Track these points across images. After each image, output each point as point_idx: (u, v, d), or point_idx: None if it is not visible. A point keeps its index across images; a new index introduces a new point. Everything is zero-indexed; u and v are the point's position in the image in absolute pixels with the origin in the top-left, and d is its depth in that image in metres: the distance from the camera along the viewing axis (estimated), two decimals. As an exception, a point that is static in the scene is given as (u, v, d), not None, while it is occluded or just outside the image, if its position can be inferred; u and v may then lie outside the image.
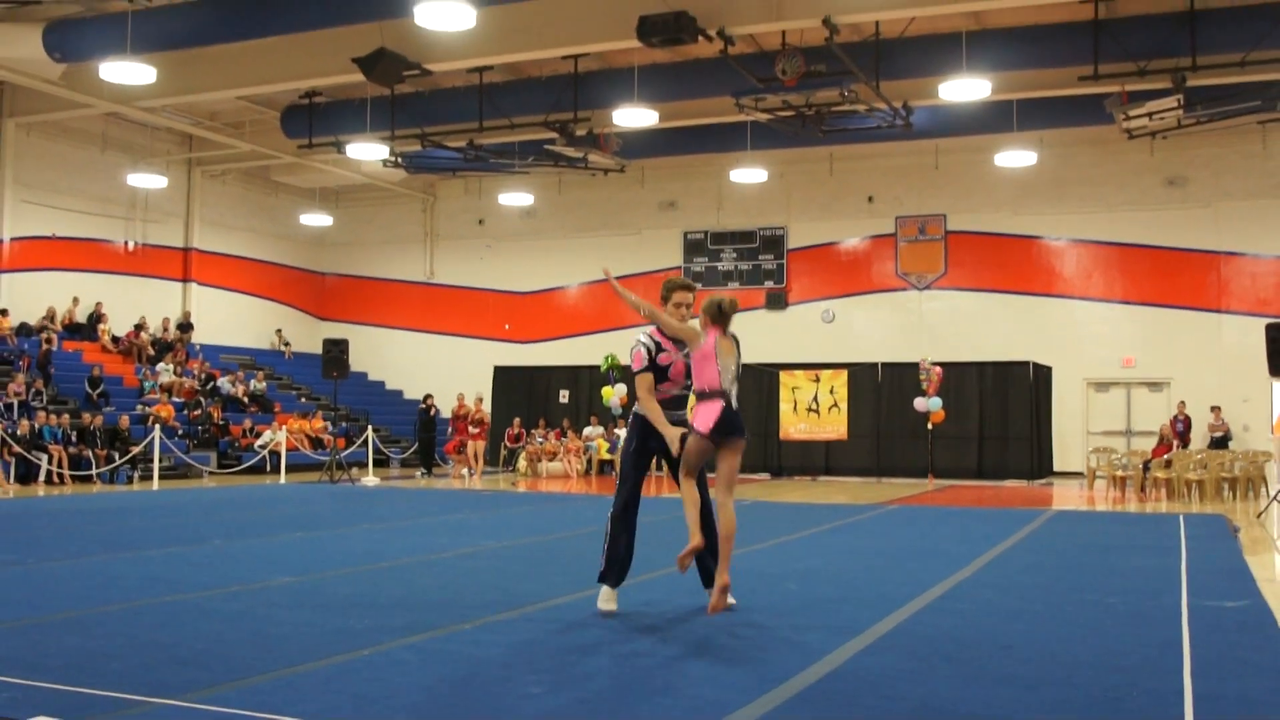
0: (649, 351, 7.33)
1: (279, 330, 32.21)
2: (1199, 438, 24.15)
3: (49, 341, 24.59)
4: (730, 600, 7.25)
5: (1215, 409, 24.24)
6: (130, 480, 21.83)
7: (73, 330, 26.55)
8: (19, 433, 20.88)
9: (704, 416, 6.90)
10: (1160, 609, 7.73)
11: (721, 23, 17.48)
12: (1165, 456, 20.61)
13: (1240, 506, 18.01)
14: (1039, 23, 18.94)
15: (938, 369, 23.72)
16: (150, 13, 18.37)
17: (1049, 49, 18.98)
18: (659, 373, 7.35)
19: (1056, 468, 25.85)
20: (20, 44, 20.23)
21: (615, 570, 7.37)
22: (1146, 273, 26.00)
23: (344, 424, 27.90)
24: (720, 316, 7.05)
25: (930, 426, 23.88)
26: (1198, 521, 14.73)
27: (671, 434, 7.12)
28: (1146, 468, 20.45)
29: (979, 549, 11.18)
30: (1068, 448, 26.15)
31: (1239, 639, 6.78)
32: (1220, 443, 23.54)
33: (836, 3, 16.93)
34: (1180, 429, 23.62)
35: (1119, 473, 21.08)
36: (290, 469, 23.73)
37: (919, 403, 23.69)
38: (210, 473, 23.75)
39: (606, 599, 7.36)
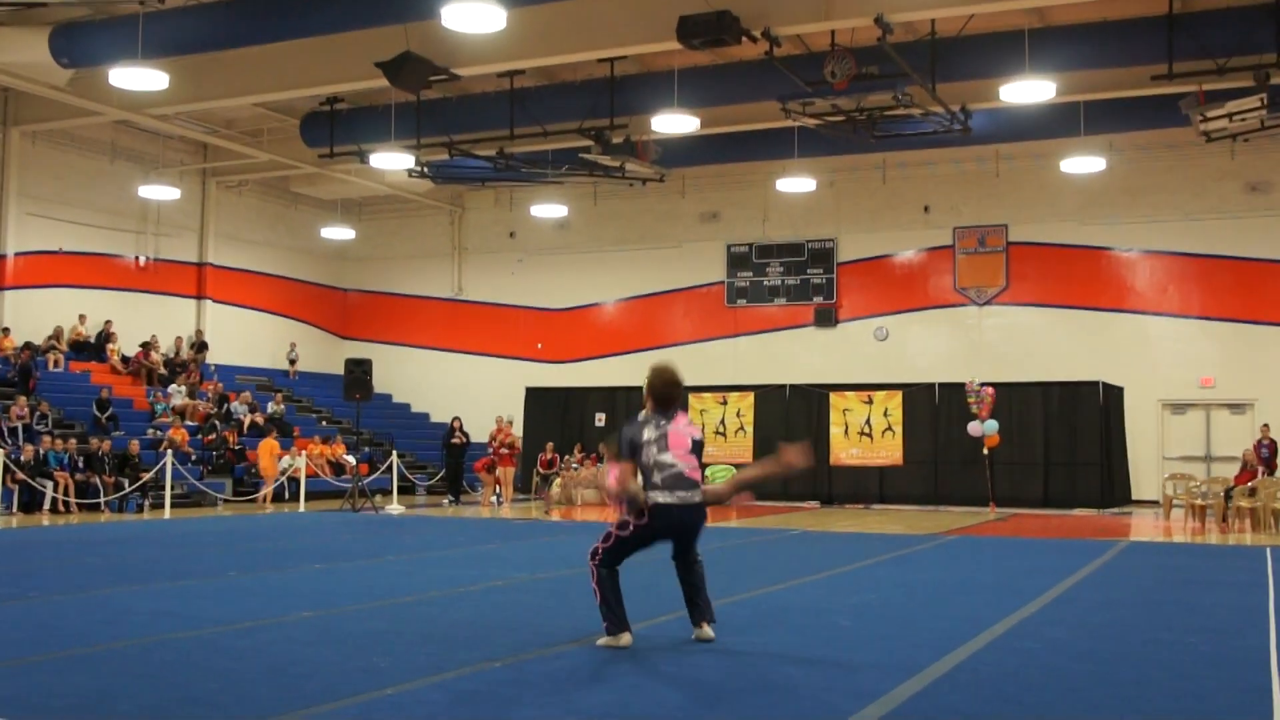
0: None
1: (293, 343, 32.17)
2: (1286, 464, 23.82)
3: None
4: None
5: (1303, 433, 23.92)
6: (140, 509, 21.99)
7: (80, 350, 26.78)
8: (23, 459, 21.07)
9: None
10: (1246, 650, 7.62)
11: (766, 22, 17.46)
12: (1249, 484, 20.36)
13: (1331, 538, 17.78)
14: (1108, 18, 18.80)
15: (989, 389, 23.45)
16: (162, 15, 18.57)
17: (1119, 47, 18.82)
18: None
19: (1130, 495, 25.58)
20: (25, 48, 20.48)
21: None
22: (1226, 286, 25.72)
23: (367, 449, 28.01)
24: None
25: (986, 451, 23.62)
26: (1284, 555, 14.55)
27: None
28: (1228, 496, 20.21)
29: (1045, 583, 11.06)
30: (1141, 474, 25.89)
31: (1332, 682, 6.66)
32: (1309, 469, 23.21)
33: (889, 0, 16.90)
34: (1265, 454, 23.27)
35: (1198, 501, 20.82)
36: (310, 496, 23.82)
37: (973, 427, 23.41)
38: (225, 501, 23.89)
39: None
